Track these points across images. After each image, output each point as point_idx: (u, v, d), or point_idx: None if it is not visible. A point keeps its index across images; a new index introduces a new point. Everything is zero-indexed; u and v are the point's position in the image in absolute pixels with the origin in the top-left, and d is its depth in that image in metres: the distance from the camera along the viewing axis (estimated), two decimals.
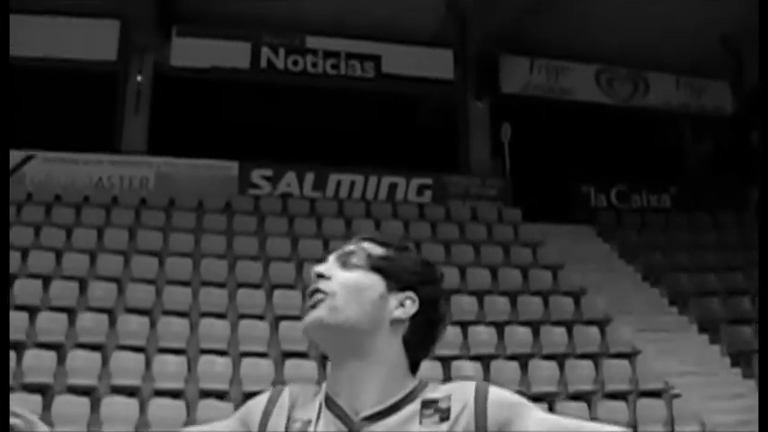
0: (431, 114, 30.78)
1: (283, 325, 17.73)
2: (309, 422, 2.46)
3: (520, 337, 19.06)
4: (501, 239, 24.09)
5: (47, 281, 18.76)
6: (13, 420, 2.50)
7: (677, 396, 17.08)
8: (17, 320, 17.14)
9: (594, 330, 19.60)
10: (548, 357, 18.35)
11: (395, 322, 2.50)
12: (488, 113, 28.53)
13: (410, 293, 2.52)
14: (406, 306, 2.51)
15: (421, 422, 2.39)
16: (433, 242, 23.23)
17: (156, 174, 25.18)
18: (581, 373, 17.89)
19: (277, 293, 19.10)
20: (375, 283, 2.51)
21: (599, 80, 29.14)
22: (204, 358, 16.82)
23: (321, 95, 28.37)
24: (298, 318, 2.70)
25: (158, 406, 15.51)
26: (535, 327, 19.40)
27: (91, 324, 17.49)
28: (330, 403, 2.48)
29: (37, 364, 16.00)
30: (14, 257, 19.62)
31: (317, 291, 2.50)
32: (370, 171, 26.38)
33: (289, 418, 2.51)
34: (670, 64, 28.88)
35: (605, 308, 20.53)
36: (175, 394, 15.86)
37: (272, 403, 2.57)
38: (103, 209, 23.01)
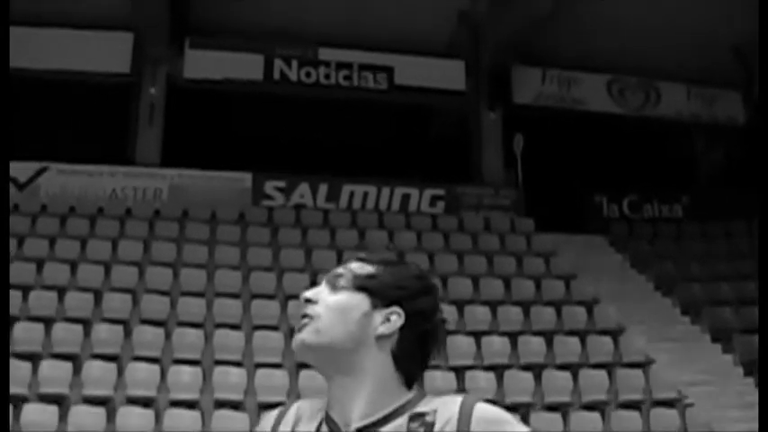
0: (443, 125, 30.85)
1: None
2: None
3: (533, 347, 19.09)
4: (514, 250, 24.12)
5: (62, 292, 18.88)
6: None
7: (690, 405, 17.11)
8: (33, 332, 17.29)
9: (607, 340, 19.60)
10: (561, 367, 18.34)
11: (380, 338, 2.54)
12: (501, 124, 28.57)
13: (395, 308, 2.57)
14: (390, 321, 2.56)
15: None
16: (445, 253, 23.30)
17: (170, 185, 25.29)
18: (594, 383, 17.87)
19: (291, 304, 19.13)
20: (359, 301, 2.57)
21: (611, 90, 29.19)
22: (219, 369, 16.89)
23: (334, 107, 28.47)
24: None
25: (174, 416, 15.58)
26: (548, 337, 19.41)
27: (106, 335, 17.59)
28: (327, 417, 2.56)
29: (53, 375, 16.08)
30: (29, 269, 19.78)
31: (305, 315, 2.59)
32: (382, 182, 26.45)
33: None
34: (681, 74, 28.93)
35: (618, 318, 20.55)
36: (191, 405, 15.93)
37: (278, 420, 2.65)
38: (118, 220, 23.12)
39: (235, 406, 16.06)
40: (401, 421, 2.46)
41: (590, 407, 17.17)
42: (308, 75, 27.70)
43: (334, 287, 2.62)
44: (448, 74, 28.23)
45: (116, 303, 18.81)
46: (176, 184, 25.34)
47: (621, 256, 25.30)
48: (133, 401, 15.82)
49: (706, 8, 26.43)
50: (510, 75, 28.42)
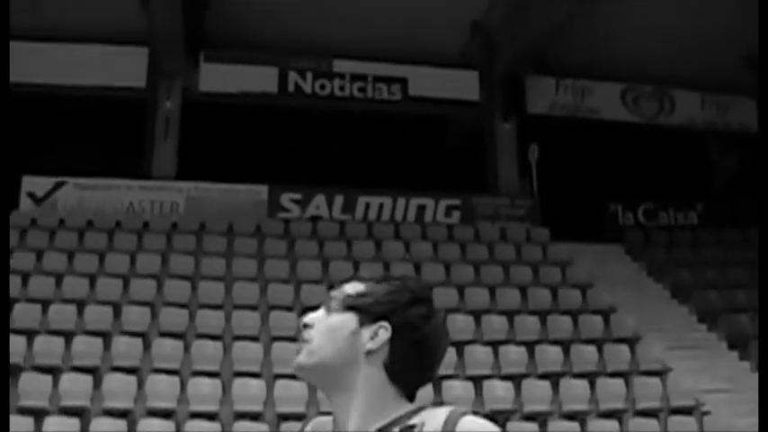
0: (458, 136, 30.91)
1: None
2: None
3: (550, 355, 19.13)
4: (530, 259, 24.15)
5: (81, 305, 19.02)
6: None
7: (708, 413, 17.14)
8: (53, 345, 17.44)
9: (624, 348, 19.63)
10: (578, 376, 18.38)
11: (369, 353, 2.63)
12: (515, 134, 28.61)
13: (382, 323, 2.65)
14: (378, 336, 2.64)
15: None
16: (462, 263, 23.35)
17: (187, 198, 25.39)
18: (612, 391, 17.90)
19: None
20: (348, 320, 2.68)
21: (625, 99, 29.22)
22: (238, 381, 16.99)
23: (349, 118, 28.57)
24: None
25: (194, 428, 15.69)
26: (565, 345, 19.45)
27: (126, 348, 17.71)
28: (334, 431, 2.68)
29: (73, 388, 16.22)
30: (48, 283, 19.93)
31: (303, 340, 2.73)
32: (398, 193, 26.49)
33: None
34: (695, 82, 28.95)
35: (635, 326, 20.58)
36: (210, 416, 16.04)
37: None
38: (135, 234, 23.24)
39: (254, 417, 16.17)
40: None
41: (607, 415, 17.21)
42: (322, 87, 27.80)
43: (329, 310, 2.73)
44: (462, 84, 28.30)
45: (135, 316, 18.95)
46: (193, 197, 25.45)
47: (637, 265, 25.32)
48: (153, 413, 15.94)
49: (720, 16, 26.45)
50: (524, 84, 28.48)
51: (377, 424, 2.55)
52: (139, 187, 25.52)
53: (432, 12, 26.87)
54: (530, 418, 17.01)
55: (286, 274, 21.69)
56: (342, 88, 27.85)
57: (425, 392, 15.92)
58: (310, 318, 2.74)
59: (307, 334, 2.72)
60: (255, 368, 17.49)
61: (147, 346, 17.95)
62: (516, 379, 18.01)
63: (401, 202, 26.31)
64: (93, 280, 20.35)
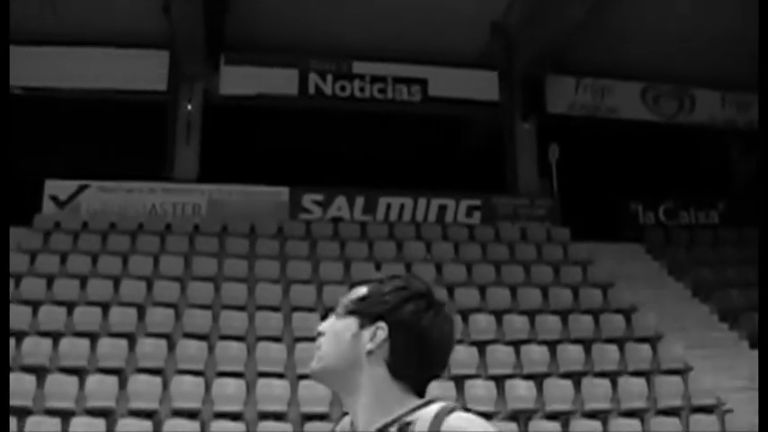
0: (478, 136, 30.97)
1: None
2: None
3: (572, 355, 19.16)
4: (551, 259, 24.19)
5: (105, 308, 19.15)
6: None
7: (729, 411, 17.15)
8: (78, 347, 17.59)
9: (646, 347, 19.66)
10: (600, 375, 18.41)
11: (370, 354, 2.76)
12: (535, 134, 28.66)
13: (380, 323, 2.78)
14: (376, 336, 2.77)
15: None
16: (483, 263, 23.40)
17: (209, 200, 25.54)
18: (633, 390, 17.94)
19: None
20: (349, 325, 2.82)
21: (645, 98, 29.21)
22: (262, 381, 17.10)
23: (369, 120, 28.66)
24: None
25: (219, 428, 15.82)
26: (587, 344, 19.48)
27: (150, 349, 17.84)
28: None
29: (99, 389, 16.37)
30: (73, 285, 20.10)
31: (316, 347, 2.89)
32: (419, 193, 26.58)
33: None
34: (715, 80, 28.92)
35: (656, 325, 20.58)
36: (235, 416, 16.16)
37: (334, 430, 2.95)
38: (158, 236, 23.40)
39: (278, 417, 16.28)
40: (393, 431, 2.65)
41: (629, 414, 17.25)
42: (342, 88, 27.89)
43: (336, 316, 2.89)
44: (482, 85, 28.36)
45: (159, 318, 19.09)
46: (215, 199, 25.59)
47: (658, 264, 25.33)
48: (178, 414, 16.06)
49: (739, 13, 26.42)
50: (543, 84, 28.52)
51: (383, 421, 2.66)
52: (162, 190, 25.68)
53: (451, 13, 26.92)
54: (552, 417, 17.06)
55: (308, 275, 21.79)
56: (362, 89, 27.93)
57: (447, 392, 16.06)
58: (322, 326, 2.90)
59: (318, 341, 2.88)
60: (279, 368, 17.61)
61: (171, 348, 18.09)
62: (538, 378, 18.05)
63: (422, 202, 26.39)
64: (117, 282, 20.48)
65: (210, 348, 18.19)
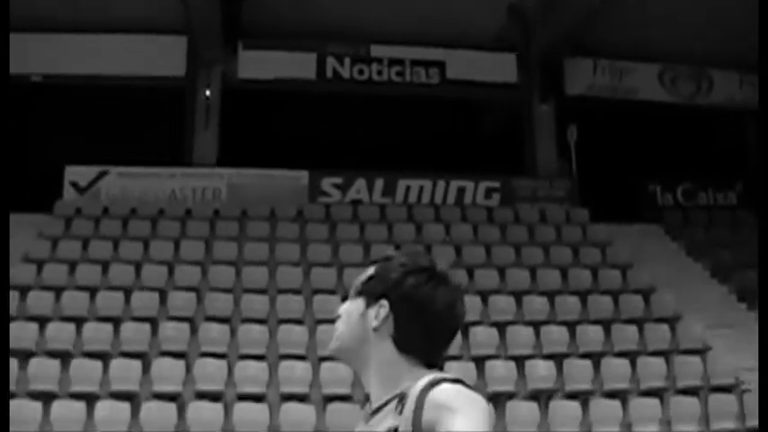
0: (496, 118, 30.99)
1: None
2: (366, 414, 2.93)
3: (591, 335, 19.22)
4: (570, 240, 24.24)
5: (128, 293, 19.30)
6: None
7: (748, 391, 17.19)
8: (101, 332, 17.75)
9: (665, 328, 19.70)
10: (619, 355, 18.47)
11: (376, 331, 2.90)
12: (553, 116, 28.66)
13: (382, 301, 2.91)
14: (379, 313, 2.91)
15: (393, 415, 2.74)
16: (502, 244, 23.46)
17: (228, 185, 25.65)
18: (653, 370, 18.00)
19: None
20: (357, 305, 2.98)
21: (662, 79, 29.17)
22: (284, 363, 17.23)
23: (387, 103, 28.68)
24: None
25: (242, 410, 15.96)
26: (606, 325, 19.55)
27: (173, 333, 18.00)
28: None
29: (123, 373, 16.50)
30: (95, 270, 20.26)
31: (335, 329, 3.05)
32: (438, 176, 26.61)
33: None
34: (733, 61, 28.84)
35: (675, 305, 20.62)
36: (258, 398, 16.31)
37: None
38: (178, 221, 23.55)
39: (301, 398, 16.41)
40: (395, 403, 2.75)
41: (648, 393, 17.32)
42: (360, 72, 27.94)
43: (350, 298, 3.05)
44: (500, 67, 28.34)
45: (181, 302, 19.23)
46: (234, 183, 25.71)
47: (677, 245, 25.31)
48: (202, 396, 16.22)
49: None
50: (561, 66, 28.48)
51: (388, 395, 2.79)
52: (181, 175, 25.82)
53: None
54: (571, 396, 17.15)
55: (328, 258, 21.92)
56: (380, 73, 27.97)
57: (468, 373, 16.16)
58: (340, 309, 3.04)
59: (336, 323, 3.03)
60: (301, 351, 17.73)
61: (193, 331, 18.24)
62: (558, 359, 18.12)
63: (441, 184, 26.43)
64: (138, 267, 20.65)
65: (232, 331, 18.34)
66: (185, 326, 18.24)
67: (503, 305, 20.09)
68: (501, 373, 17.59)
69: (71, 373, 16.47)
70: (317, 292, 19.96)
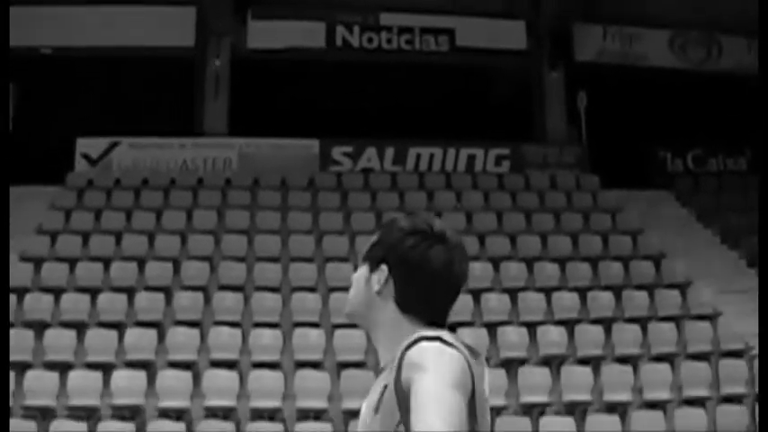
0: (506, 85, 30.93)
1: None
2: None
3: (602, 301, 19.30)
4: (580, 207, 24.23)
5: (141, 263, 19.46)
6: None
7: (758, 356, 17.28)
8: (116, 302, 17.90)
9: (675, 293, 19.75)
10: (630, 321, 18.55)
11: (379, 294, 3.05)
12: (563, 82, 28.62)
13: (382, 265, 3.06)
14: (380, 277, 3.06)
15: (388, 373, 2.88)
16: (513, 211, 23.48)
17: (239, 154, 25.72)
18: (663, 336, 18.09)
19: None
20: (363, 271, 3.14)
21: (672, 45, 29.10)
22: (298, 331, 17.39)
23: (397, 71, 28.65)
24: None
25: (257, 377, 16.13)
26: (617, 291, 19.60)
27: (187, 302, 18.19)
28: None
29: (138, 343, 16.70)
30: (108, 241, 20.39)
31: None
32: (448, 143, 26.60)
33: None
34: (743, 27, 28.73)
35: (685, 271, 20.66)
36: (272, 366, 16.45)
37: None
38: (190, 191, 23.65)
39: (315, 365, 16.57)
40: (392, 362, 2.88)
41: (659, 358, 17.43)
42: (370, 40, 27.91)
43: (360, 266, 3.21)
44: (509, 34, 28.24)
45: (194, 271, 19.40)
46: (245, 152, 25.78)
47: (687, 211, 25.29)
48: (217, 364, 16.37)
49: None
50: (571, 33, 28.37)
51: (392, 354, 2.89)
52: (192, 145, 25.88)
53: None
54: (583, 362, 17.27)
55: (340, 226, 22.02)
56: (389, 41, 27.93)
57: (480, 339, 16.29)
58: (353, 276, 3.18)
59: (350, 290, 3.18)
60: (314, 318, 17.91)
61: (207, 300, 18.39)
62: (569, 324, 18.23)
63: (451, 152, 26.43)
64: (151, 237, 20.79)
65: (246, 300, 18.49)
66: (199, 295, 18.41)
67: (514, 272, 20.19)
68: (513, 339, 17.71)
69: (86, 343, 16.68)
70: (329, 259, 20.09)
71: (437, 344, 2.78)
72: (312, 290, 18.93)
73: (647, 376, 16.86)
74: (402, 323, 2.98)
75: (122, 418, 15.22)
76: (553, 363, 17.10)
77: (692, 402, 16.42)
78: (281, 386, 16.02)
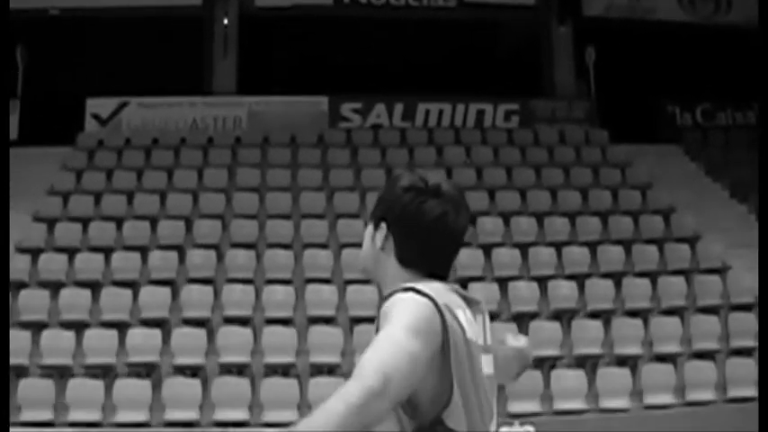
0: (514, 40, 30.89)
1: None
2: None
3: (612, 255, 19.39)
4: (590, 161, 24.22)
5: (153, 222, 19.59)
6: None
7: None
8: (129, 261, 18.06)
9: (685, 247, 19.82)
10: (640, 275, 18.64)
11: (382, 250, 3.22)
12: (571, 37, 28.55)
13: (382, 223, 3.22)
14: (381, 234, 3.22)
15: None
16: (522, 166, 23.49)
17: (249, 112, 25.77)
18: (673, 289, 18.19)
19: None
20: (369, 229, 3.29)
21: None
22: (310, 287, 17.51)
23: (405, 27, 28.63)
24: None
25: (270, 333, 16.26)
26: (627, 245, 19.68)
27: (200, 260, 18.30)
28: None
29: (152, 301, 16.85)
30: (120, 201, 20.52)
31: None
32: (457, 99, 26.57)
33: None
34: None
35: (695, 225, 20.72)
36: (285, 322, 16.60)
37: None
38: (201, 149, 23.73)
39: (328, 321, 16.70)
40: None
41: (669, 312, 17.54)
42: None
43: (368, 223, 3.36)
44: None
45: (206, 229, 19.54)
46: (255, 110, 25.82)
47: (696, 165, 25.28)
48: (230, 321, 16.51)
49: None
50: None
51: None
52: (202, 103, 25.95)
53: None
54: (594, 315, 17.36)
55: (350, 183, 22.10)
56: None
57: (491, 294, 16.41)
58: (365, 232, 3.31)
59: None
60: (326, 275, 18.04)
61: (220, 258, 18.51)
62: (579, 278, 18.32)
63: (460, 107, 26.42)
64: (163, 196, 20.91)
65: (258, 257, 18.61)
66: (212, 253, 18.51)
67: (524, 226, 20.27)
68: (524, 293, 17.82)
69: (101, 302, 16.81)
70: (340, 216, 20.15)
71: (409, 294, 2.93)
72: (324, 246, 19.04)
73: (657, 330, 16.96)
74: (405, 277, 3.11)
75: (138, 376, 15.38)
76: (564, 317, 17.21)
77: (701, 355, 16.51)
78: (294, 342, 16.16)
